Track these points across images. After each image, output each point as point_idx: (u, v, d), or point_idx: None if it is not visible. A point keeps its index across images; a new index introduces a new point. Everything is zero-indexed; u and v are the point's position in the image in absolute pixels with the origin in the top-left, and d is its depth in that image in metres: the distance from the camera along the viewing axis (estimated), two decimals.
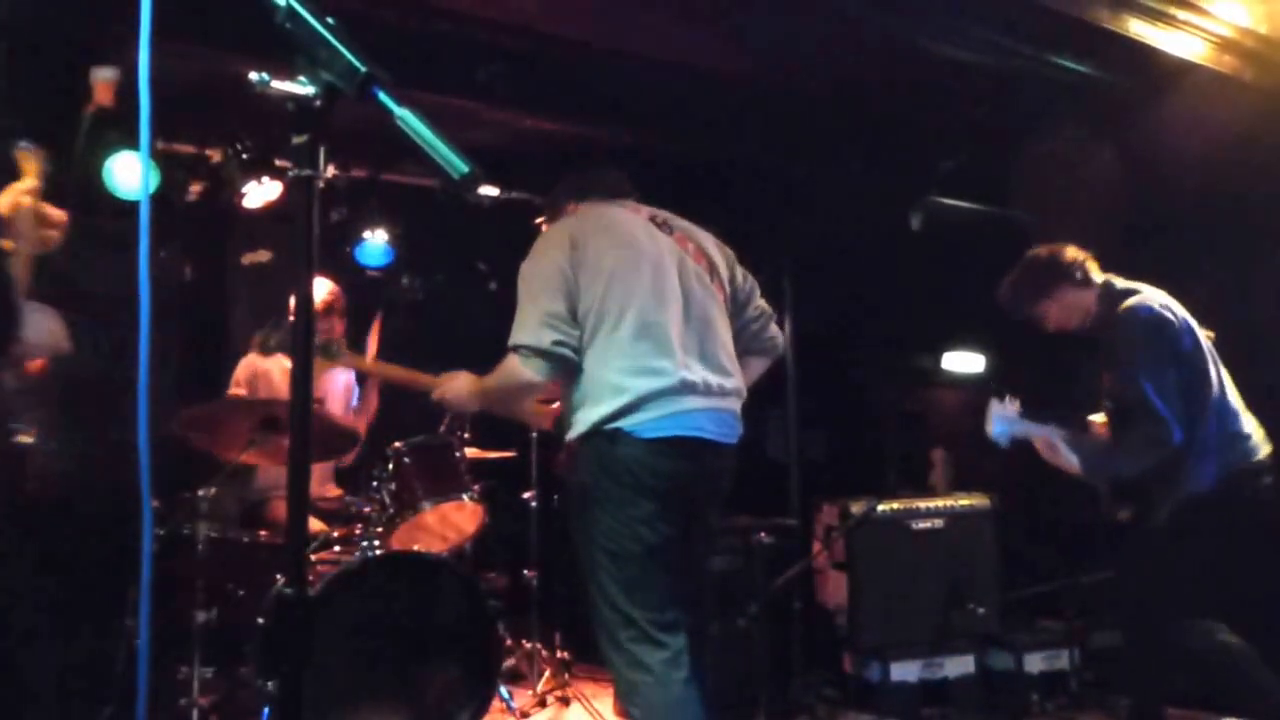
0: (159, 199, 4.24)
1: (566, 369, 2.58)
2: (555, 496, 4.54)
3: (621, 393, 2.52)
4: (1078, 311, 3.38)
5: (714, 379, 2.64)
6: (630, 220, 2.76)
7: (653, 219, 2.80)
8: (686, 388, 2.56)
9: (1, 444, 2.77)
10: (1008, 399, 3.36)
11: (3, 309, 2.04)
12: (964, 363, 5.39)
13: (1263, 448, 3.23)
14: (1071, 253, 3.38)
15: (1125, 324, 3.21)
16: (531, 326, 2.56)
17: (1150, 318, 3.19)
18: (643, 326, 2.57)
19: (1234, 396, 3.27)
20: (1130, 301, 3.24)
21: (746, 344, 2.88)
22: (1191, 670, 3.35)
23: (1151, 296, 3.26)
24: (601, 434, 2.54)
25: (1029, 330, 3.55)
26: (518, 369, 2.57)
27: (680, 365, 2.57)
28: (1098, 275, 3.38)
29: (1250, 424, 3.25)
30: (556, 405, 2.91)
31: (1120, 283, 3.34)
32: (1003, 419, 3.33)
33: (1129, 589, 3.43)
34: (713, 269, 2.81)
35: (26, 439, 2.94)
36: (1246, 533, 3.20)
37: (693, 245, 2.80)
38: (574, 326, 2.58)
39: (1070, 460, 3.29)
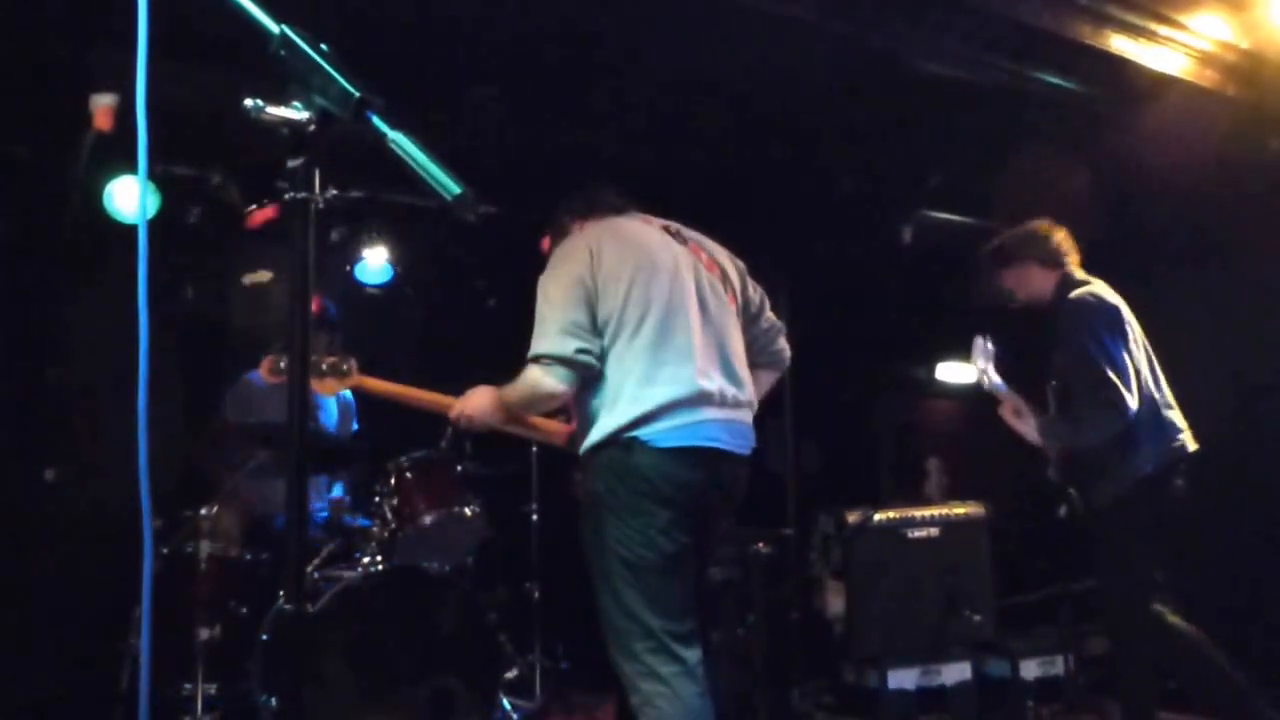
0: (159, 221, 4.26)
1: (587, 378, 2.56)
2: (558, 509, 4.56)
3: (640, 401, 2.50)
4: (1033, 290, 3.55)
5: (730, 389, 2.63)
6: (644, 230, 2.77)
7: (665, 229, 2.80)
8: (704, 397, 2.54)
9: None
10: (989, 339, 3.56)
11: None
12: (957, 373, 5.43)
13: (1190, 443, 3.37)
14: (1058, 236, 3.53)
15: (1077, 308, 3.36)
16: (553, 335, 2.53)
17: (1100, 304, 3.36)
18: (663, 334, 2.56)
19: (1167, 390, 3.40)
20: (1081, 290, 3.40)
21: (756, 357, 2.87)
22: (1165, 657, 3.40)
23: (1101, 288, 3.42)
24: (618, 443, 2.52)
25: (1020, 339, 3.61)
26: (540, 379, 2.53)
27: (699, 374, 2.56)
28: (1069, 265, 3.52)
29: (1180, 419, 3.39)
30: (572, 424, 2.86)
31: (1079, 274, 3.50)
32: (982, 354, 3.55)
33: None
34: (725, 279, 2.81)
35: None
36: (1172, 520, 3.32)
37: (706, 255, 2.80)
38: (595, 335, 2.56)
39: (1031, 426, 3.46)
